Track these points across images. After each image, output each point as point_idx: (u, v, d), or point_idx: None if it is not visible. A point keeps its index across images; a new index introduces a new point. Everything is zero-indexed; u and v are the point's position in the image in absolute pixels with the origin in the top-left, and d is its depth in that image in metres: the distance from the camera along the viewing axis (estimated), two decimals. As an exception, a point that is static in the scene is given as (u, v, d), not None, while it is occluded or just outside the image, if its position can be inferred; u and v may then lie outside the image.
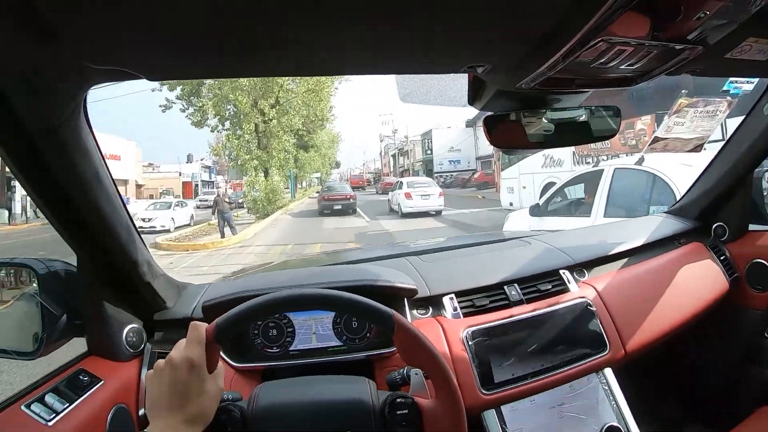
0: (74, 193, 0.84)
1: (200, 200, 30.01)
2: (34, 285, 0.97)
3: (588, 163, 9.09)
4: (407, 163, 51.16)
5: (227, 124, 20.90)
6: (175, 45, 0.64)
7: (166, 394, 0.68)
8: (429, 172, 40.32)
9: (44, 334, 0.94)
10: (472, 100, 0.92)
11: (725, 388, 1.59)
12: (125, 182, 29.33)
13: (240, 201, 24.73)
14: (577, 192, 5.55)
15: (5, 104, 0.67)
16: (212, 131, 21.60)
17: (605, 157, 8.43)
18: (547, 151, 9.63)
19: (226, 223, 13.34)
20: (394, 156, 57.78)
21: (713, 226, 1.63)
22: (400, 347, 0.76)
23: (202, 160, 44.47)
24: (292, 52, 0.70)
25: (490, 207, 15.87)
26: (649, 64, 0.72)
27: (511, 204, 11.87)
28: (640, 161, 4.32)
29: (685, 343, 1.54)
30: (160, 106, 20.01)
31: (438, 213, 15.56)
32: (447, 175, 37.57)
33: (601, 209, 4.60)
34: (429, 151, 42.75)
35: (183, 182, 41.82)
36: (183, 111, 20.22)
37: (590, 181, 5.08)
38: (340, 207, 18.41)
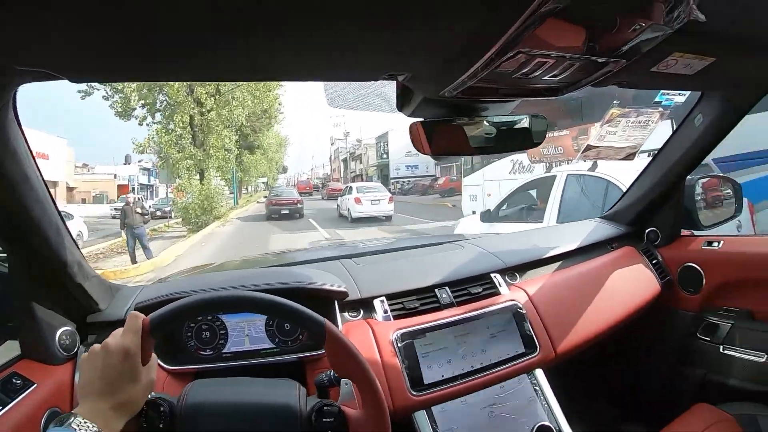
0: (1, 195, 0.83)
1: (114, 208, 23.45)
2: None
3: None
4: (360, 168, 49.64)
5: (158, 116, 18.26)
6: (98, 46, 0.63)
7: (98, 378, 0.68)
8: (384, 177, 39.22)
9: None
10: (401, 107, 0.93)
11: (660, 389, 1.65)
12: (55, 184, 25.66)
13: (167, 210, 22.57)
14: (529, 198, 5.60)
15: None
16: (140, 124, 18.36)
17: (558, 163, 8.48)
18: (515, 157, 9.58)
19: (137, 243, 9.83)
20: (345, 160, 56.27)
21: (646, 231, 1.69)
22: (331, 357, 0.78)
23: (140, 161, 39.79)
24: (214, 56, 0.69)
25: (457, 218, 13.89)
26: (574, 75, 0.75)
27: (473, 213, 10.89)
28: (594, 167, 4.36)
29: (619, 345, 1.58)
30: (80, 92, 17.41)
31: (388, 218, 15.49)
32: (404, 181, 36.49)
33: (554, 215, 4.63)
34: (385, 155, 41.42)
35: (118, 185, 39.12)
36: (106, 99, 17.45)
37: (543, 186, 5.10)
38: (287, 211, 18.35)
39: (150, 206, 21.46)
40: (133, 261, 9.67)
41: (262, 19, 0.58)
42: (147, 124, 18.19)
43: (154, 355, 0.75)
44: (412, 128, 0.91)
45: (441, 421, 1.10)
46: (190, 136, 17.75)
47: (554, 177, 4.93)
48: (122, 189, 37.50)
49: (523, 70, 0.69)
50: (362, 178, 44.56)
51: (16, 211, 0.86)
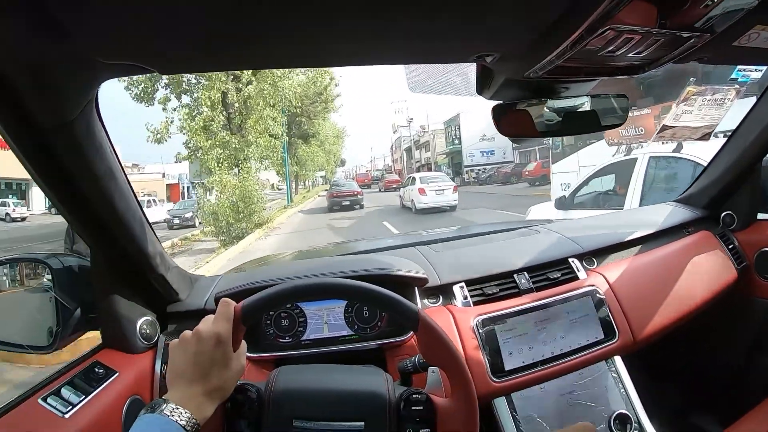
0: (88, 189, 0.85)
1: (171, 214, 20.20)
2: (48, 280, 0.99)
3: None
4: (426, 156, 46.94)
5: (186, 98, 14.48)
6: (186, 38, 0.65)
7: (189, 364, 0.69)
8: (457, 166, 36.16)
9: (58, 328, 0.97)
10: (480, 90, 0.92)
11: (733, 378, 1.59)
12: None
13: (188, 215, 19.09)
14: (606, 183, 5.30)
15: (17, 101, 0.68)
16: (164, 109, 14.32)
17: (639, 145, 7.89)
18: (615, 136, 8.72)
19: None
20: (408, 149, 53.62)
21: (722, 215, 1.62)
22: (423, 345, 0.78)
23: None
24: (301, 43, 0.70)
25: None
26: (657, 52, 0.72)
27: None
28: (679, 148, 4.12)
29: (693, 333, 1.52)
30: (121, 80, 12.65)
31: (452, 209, 15.06)
32: (480, 169, 33.50)
33: (635, 200, 4.38)
34: (456, 141, 37.28)
35: (167, 184, 37.69)
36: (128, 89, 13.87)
37: (622, 170, 4.82)
38: (348, 203, 19.16)
39: (168, 214, 19.69)
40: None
41: (352, 5, 0.58)
42: (174, 109, 14.49)
43: (244, 342, 0.77)
44: (496, 110, 0.90)
45: (520, 407, 1.10)
46: (224, 118, 14.36)
47: (635, 160, 4.64)
48: (172, 189, 37.45)
49: (609, 48, 0.68)
50: (429, 168, 41.52)
51: (102, 204, 0.88)
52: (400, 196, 18.14)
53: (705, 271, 1.44)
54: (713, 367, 1.64)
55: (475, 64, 0.87)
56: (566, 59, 0.71)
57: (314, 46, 0.72)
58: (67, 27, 0.56)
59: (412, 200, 15.67)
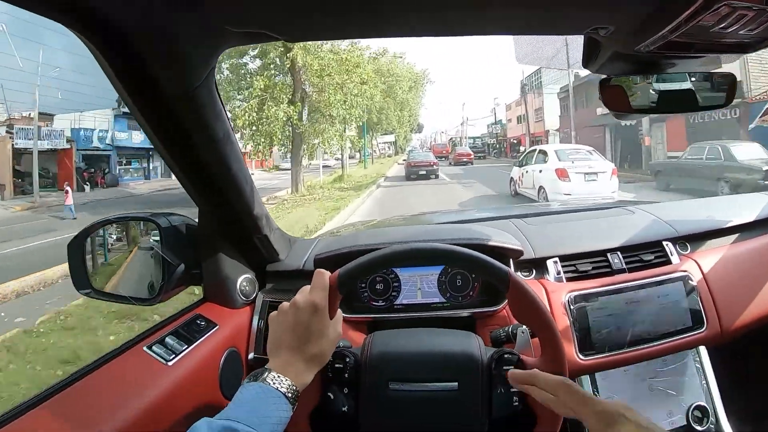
0: (207, 152, 0.90)
1: None
2: (156, 237, 1.05)
3: None
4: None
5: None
6: (315, 4, 0.66)
7: (288, 333, 0.73)
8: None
9: (163, 282, 1.03)
10: (586, 63, 0.91)
11: None
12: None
13: None
14: None
15: (147, 70, 0.72)
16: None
17: None
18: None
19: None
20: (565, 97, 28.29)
21: None
22: (513, 304, 0.79)
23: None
24: (426, 11, 0.70)
25: None
26: None
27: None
28: None
29: None
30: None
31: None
32: None
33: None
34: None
35: None
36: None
37: None
38: (424, 172, 19.49)
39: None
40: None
41: None
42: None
43: (339, 310, 0.79)
44: (602, 84, 0.88)
45: (602, 387, 1.10)
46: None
47: None
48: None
49: (722, 25, 0.66)
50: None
51: (219, 168, 0.93)
52: (512, 179, 12.00)
53: None
54: None
55: (582, 36, 0.85)
56: (678, 35, 0.69)
57: (439, 13, 0.72)
58: None
59: (542, 187, 10.05)
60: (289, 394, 0.66)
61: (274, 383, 0.66)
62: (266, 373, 0.67)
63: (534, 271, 1.25)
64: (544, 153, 10.85)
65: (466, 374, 0.80)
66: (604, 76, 0.89)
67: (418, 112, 34.10)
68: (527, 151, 13.45)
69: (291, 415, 0.66)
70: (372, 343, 0.86)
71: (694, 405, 1.11)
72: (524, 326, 0.87)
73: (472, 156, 30.08)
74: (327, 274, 0.77)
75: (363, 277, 1.00)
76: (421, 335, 0.90)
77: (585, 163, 9.84)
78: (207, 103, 0.83)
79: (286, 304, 0.76)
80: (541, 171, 10.22)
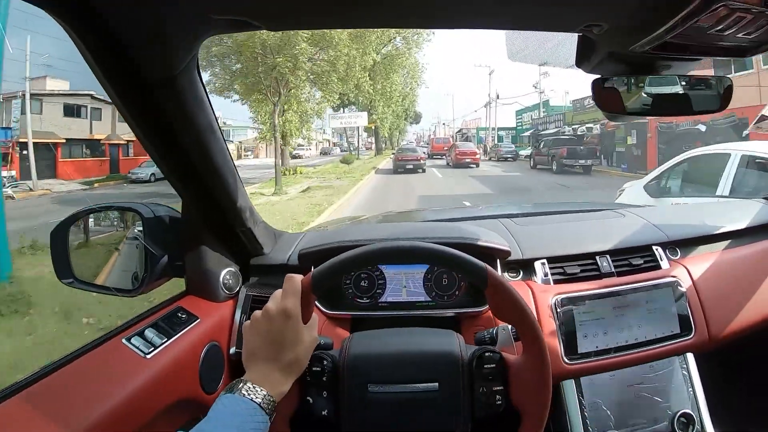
0: (189, 142, 0.89)
1: None
2: (139, 228, 1.03)
3: None
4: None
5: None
6: None
7: (261, 343, 0.72)
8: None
9: (145, 273, 1.02)
10: (579, 62, 0.89)
11: None
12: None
13: None
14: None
15: (126, 55, 0.71)
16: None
17: None
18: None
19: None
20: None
21: None
22: (492, 301, 0.78)
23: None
24: (409, 2, 0.70)
25: None
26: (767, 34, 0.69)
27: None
28: None
29: None
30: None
31: None
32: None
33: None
34: None
35: None
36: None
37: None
38: (411, 166, 20.92)
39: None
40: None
41: None
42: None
43: (315, 314, 0.78)
44: (596, 84, 0.87)
45: (587, 392, 1.09)
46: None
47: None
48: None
49: (719, 27, 0.65)
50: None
51: (201, 158, 0.92)
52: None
53: None
54: None
55: (576, 35, 0.84)
56: (674, 35, 0.68)
57: (422, 5, 0.71)
58: None
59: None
60: (264, 404, 0.66)
61: (249, 394, 0.66)
62: (242, 384, 0.67)
63: (521, 272, 1.24)
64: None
65: (447, 374, 0.79)
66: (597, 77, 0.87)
67: (414, 100, 30.10)
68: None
69: (269, 426, 0.66)
70: (350, 345, 0.84)
71: (679, 412, 1.10)
72: (507, 324, 0.86)
73: (478, 156, 24.63)
74: (298, 278, 0.75)
75: (338, 277, 0.99)
76: (399, 335, 0.89)
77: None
78: (188, 90, 0.82)
79: (258, 312, 0.75)
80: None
